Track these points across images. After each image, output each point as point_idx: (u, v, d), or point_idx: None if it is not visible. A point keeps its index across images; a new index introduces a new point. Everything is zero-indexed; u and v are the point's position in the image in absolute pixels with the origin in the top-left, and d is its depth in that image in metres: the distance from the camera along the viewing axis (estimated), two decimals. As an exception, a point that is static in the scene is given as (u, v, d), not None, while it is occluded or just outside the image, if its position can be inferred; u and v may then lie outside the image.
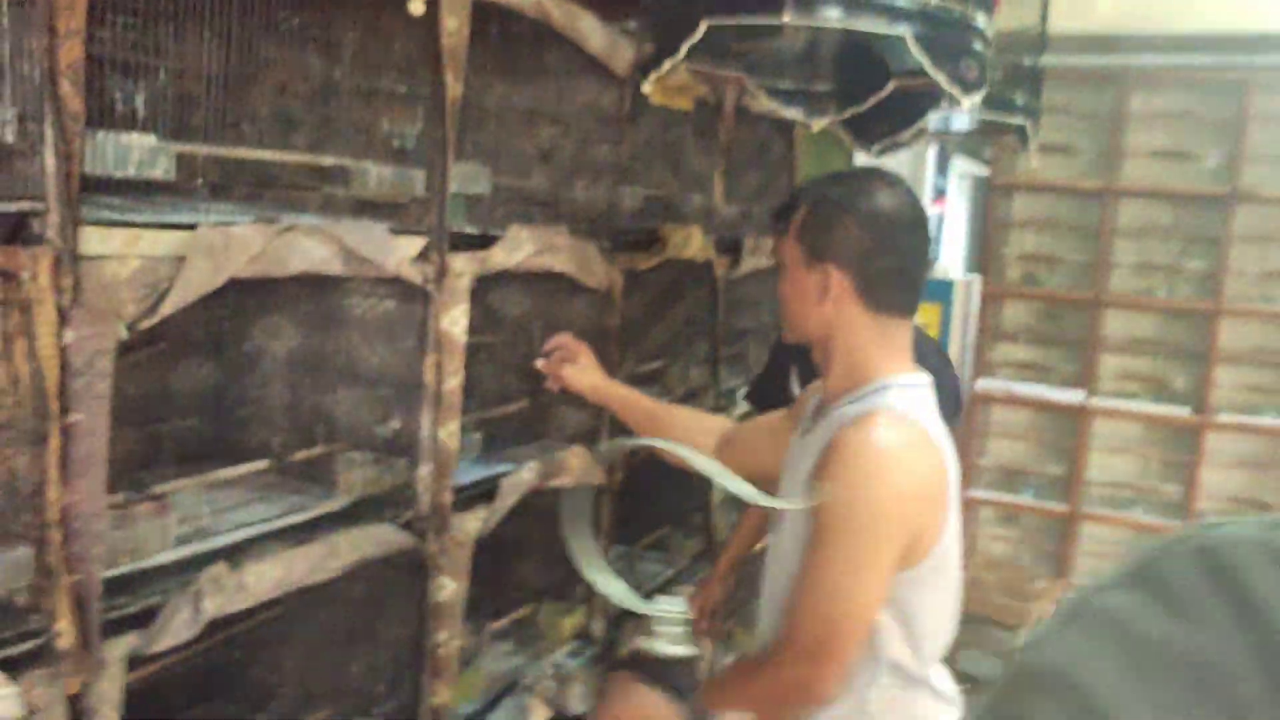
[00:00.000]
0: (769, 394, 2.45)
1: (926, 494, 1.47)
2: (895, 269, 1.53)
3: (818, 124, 2.43)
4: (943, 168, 7.65)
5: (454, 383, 1.82)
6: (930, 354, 1.84)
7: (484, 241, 1.88)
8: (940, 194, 7.93)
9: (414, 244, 1.71)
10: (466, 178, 1.85)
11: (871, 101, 2.43)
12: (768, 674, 1.52)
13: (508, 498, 1.99)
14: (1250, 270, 4.58)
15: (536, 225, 2.02)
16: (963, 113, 3.06)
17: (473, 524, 1.91)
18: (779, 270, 1.65)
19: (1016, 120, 3.10)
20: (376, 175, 1.67)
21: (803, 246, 1.55)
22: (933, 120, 3.53)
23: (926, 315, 5.01)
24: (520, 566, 2.42)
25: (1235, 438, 4.66)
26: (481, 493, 1.96)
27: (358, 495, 1.75)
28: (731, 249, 3.06)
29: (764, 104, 3.14)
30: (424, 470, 1.80)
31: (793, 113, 2.40)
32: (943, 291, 5.08)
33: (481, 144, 1.96)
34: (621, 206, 2.45)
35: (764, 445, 1.82)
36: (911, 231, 1.55)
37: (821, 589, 1.44)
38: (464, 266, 1.81)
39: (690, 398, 2.92)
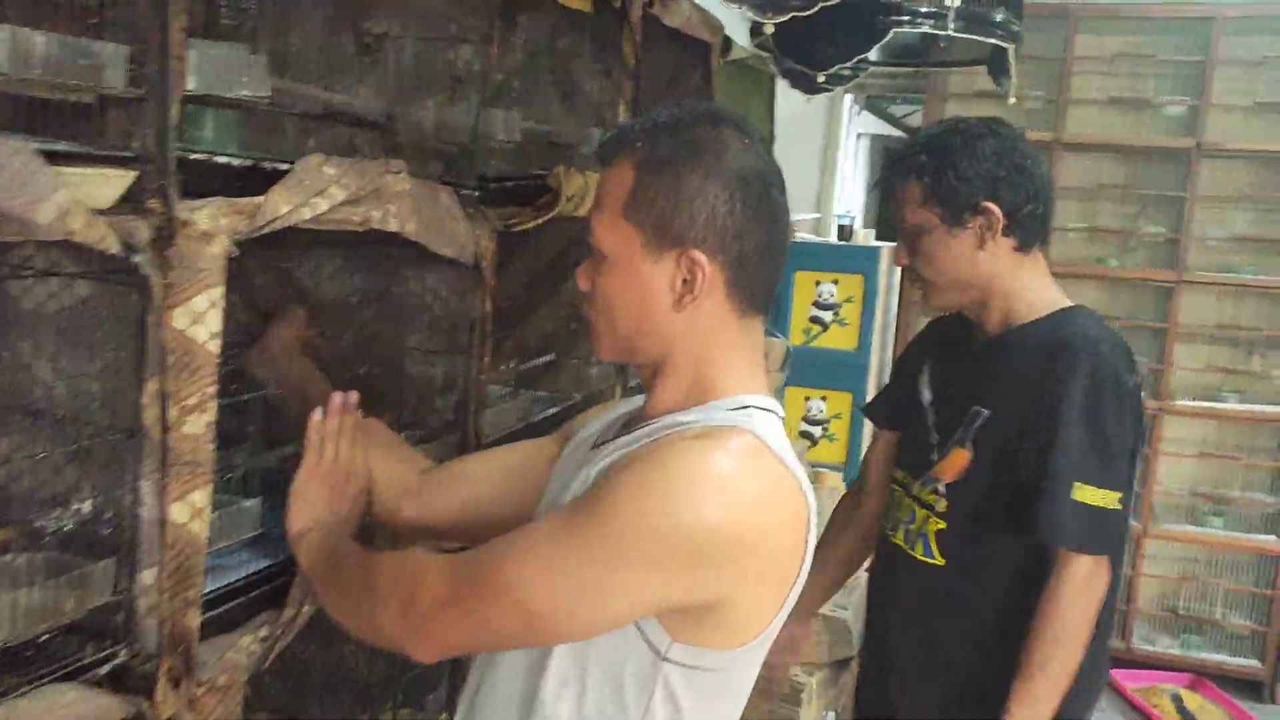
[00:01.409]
0: (897, 406, 1.97)
1: (776, 564, 1.08)
2: (766, 250, 1.12)
3: (770, 24, 1.71)
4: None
5: (200, 423, 1.05)
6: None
7: (255, 181, 1.11)
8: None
9: (108, 182, 0.94)
10: (219, 70, 1.07)
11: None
12: (382, 580, 1.10)
13: (308, 596, 1.24)
14: (1214, 235, 4.05)
15: (356, 159, 1.26)
16: (930, 30, 2.38)
17: (244, 652, 1.15)
18: (594, 260, 1.14)
19: (995, 41, 2.44)
20: (20, 48, 0.89)
21: (642, 225, 1.09)
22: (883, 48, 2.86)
23: (848, 288, 4.38)
24: (338, 694, 1.63)
25: (1194, 424, 4.16)
26: (261, 596, 1.21)
27: (20, 632, 0.97)
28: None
29: (681, 13, 2.42)
30: (147, 577, 1.04)
31: (746, 8, 1.67)
32: (865, 260, 4.46)
33: (252, 20, 1.17)
34: (492, 139, 1.70)
35: (505, 477, 1.33)
36: (781, 196, 1.15)
37: (519, 551, 1.04)
38: (213, 223, 1.04)
39: (590, 403, 2.20)
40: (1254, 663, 4.11)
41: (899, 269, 4.53)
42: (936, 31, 2.35)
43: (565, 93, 2.21)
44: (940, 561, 1.73)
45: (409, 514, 1.33)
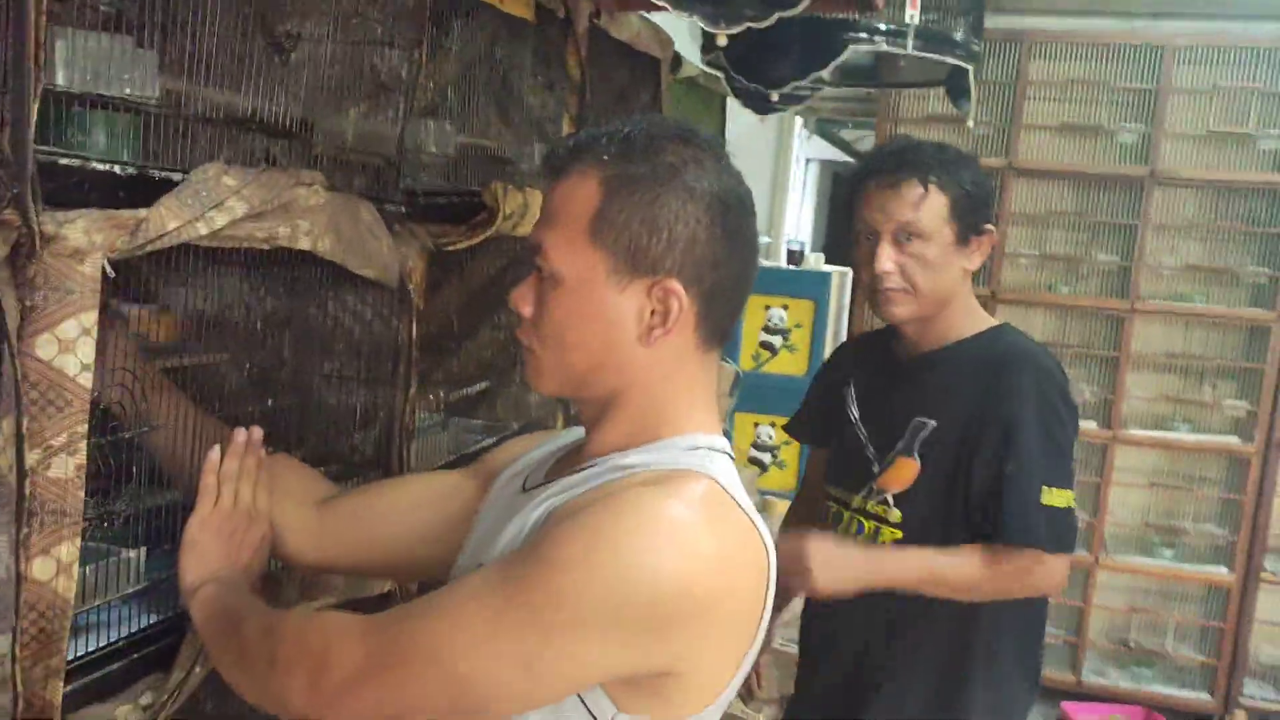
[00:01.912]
0: (819, 422, 2.01)
1: (735, 625, 0.96)
2: (740, 280, 1.03)
3: (723, 35, 1.60)
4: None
5: (68, 466, 0.92)
6: None
7: (143, 191, 0.98)
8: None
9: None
10: (95, 65, 0.94)
11: (801, 5, 1.60)
12: (287, 646, 0.96)
13: (200, 656, 1.10)
14: (1166, 264, 4.02)
15: (263, 170, 1.13)
16: (888, 49, 2.29)
17: (120, 726, 1.01)
18: (543, 282, 1.02)
19: (955, 60, 2.36)
20: None
21: (611, 249, 0.98)
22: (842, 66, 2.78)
23: (798, 313, 4.30)
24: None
25: (1146, 454, 4.11)
26: (145, 658, 1.07)
27: None
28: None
29: (630, 27, 2.32)
30: (0, 644, 0.90)
31: (698, 19, 1.57)
32: (816, 285, 4.39)
33: (139, 10, 1.04)
34: (422, 151, 1.58)
35: (415, 513, 1.19)
36: (754, 222, 1.06)
37: (445, 615, 0.91)
38: (86, 238, 0.90)
39: (531, 432, 2.08)
40: (1203, 696, 4.06)
41: (848, 292, 4.46)
42: (896, 50, 2.27)
43: (506, 106, 2.09)
44: None
45: (311, 556, 1.20)
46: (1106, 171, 4.03)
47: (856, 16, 2.25)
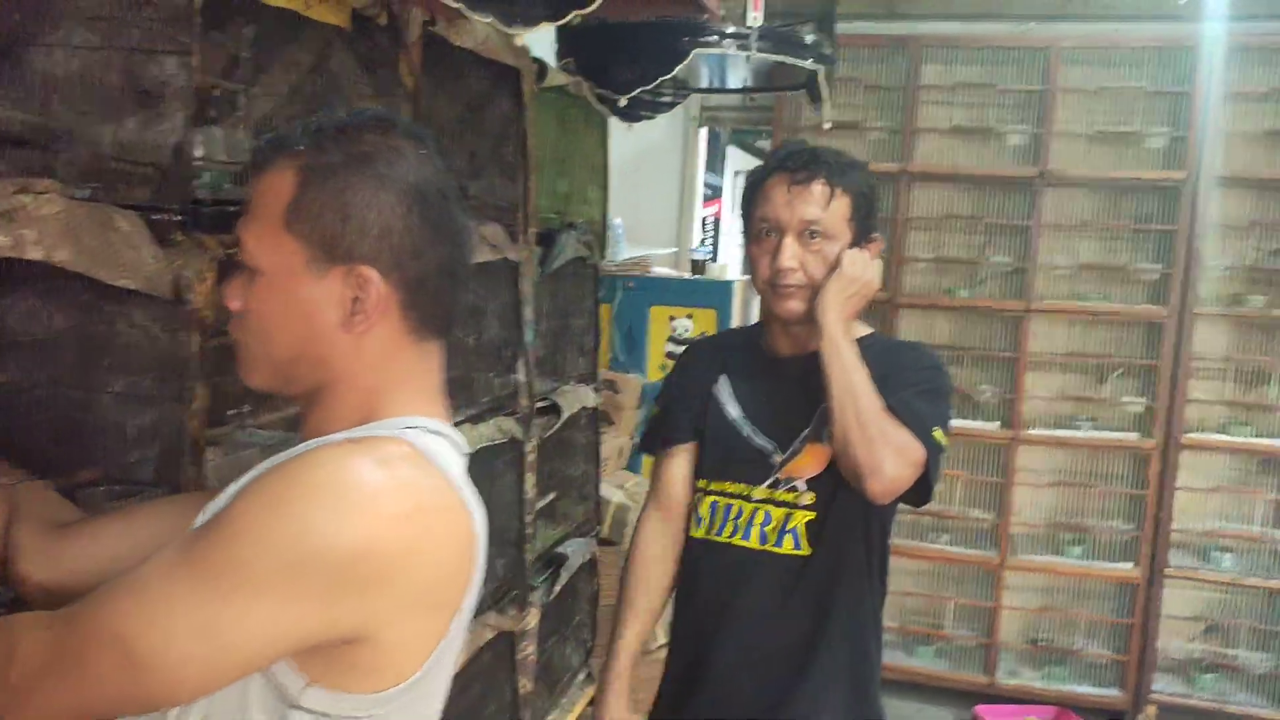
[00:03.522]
0: (684, 424, 1.97)
1: (432, 590, 0.94)
2: (447, 270, 1.02)
3: (518, 35, 1.57)
4: (716, 164, 7.02)
5: None
6: None
7: None
8: (715, 193, 7.31)
9: None
10: None
11: (594, 5, 1.58)
12: None
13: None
14: (1060, 264, 4.04)
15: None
16: (734, 52, 2.28)
17: None
18: (245, 276, 1.01)
19: (806, 64, 2.35)
20: None
21: (306, 238, 0.97)
22: (700, 71, 2.76)
23: (702, 322, 4.28)
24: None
25: (1049, 453, 4.13)
26: None
27: None
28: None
29: (475, 34, 2.29)
30: None
31: (494, 20, 1.54)
32: (720, 294, 4.38)
33: None
34: (211, 160, 1.53)
35: (153, 530, 1.11)
36: (462, 213, 1.06)
37: (125, 594, 0.88)
38: None
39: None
40: (1115, 692, 4.07)
41: (752, 302, 4.46)
42: (741, 53, 2.26)
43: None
44: (807, 551, 1.79)
45: (40, 576, 1.15)
46: (998, 173, 4.06)
47: (702, 20, 2.24)
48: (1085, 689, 4.09)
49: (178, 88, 1.42)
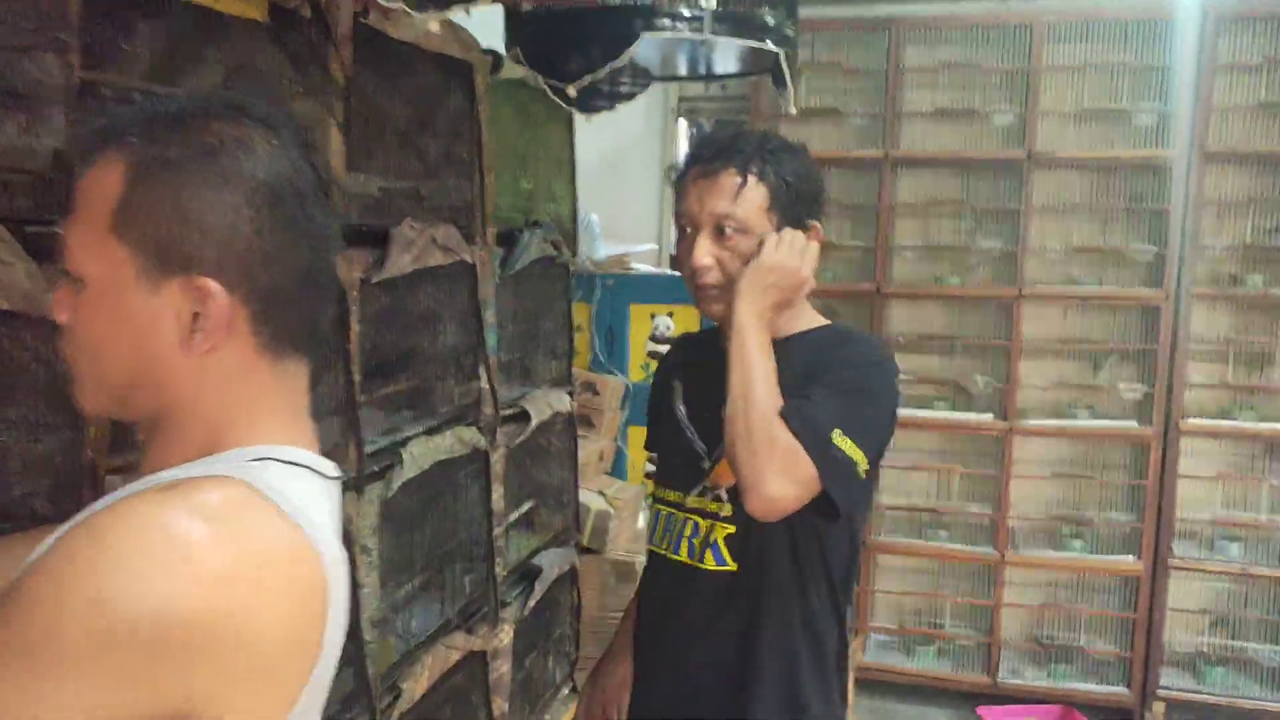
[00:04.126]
0: (654, 427, 1.97)
1: (272, 658, 0.80)
2: (306, 278, 0.90)
3: (434, 22, 1.46)
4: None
5: None
6: None
7: None
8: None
9: None
10: None
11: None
12: None
13: None
14: (1053, 247, 3.91)
15: None
16: (688, 34, 2.16)
17: None
18: (70, 285, 0.89)
19: (766, 46, 2.23)
20: None
21: (137, 245, 0.85)
22: (651, 55, 2.64)
23: (684, 320, 4.15)
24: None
25: (1046, 443, 4.00)
26: None
27: None
28: (370, 241, 2.06)
29: (414, 27, 2.17)
30: None
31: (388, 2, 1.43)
32: (705, 290, 4.25)
33: None
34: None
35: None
36: (324, 213, 0.93)
37: None
38: None
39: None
40: (1121, 689, 3.94)
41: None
42: (694, 36, 2.13)
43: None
44: (733, 567, 1.67)
45: None
46: (985, 156, 3.93)
47: (653, 2, 2.12)
48: (1090, 687, 3.96)
49: (54, 87, 1.30)
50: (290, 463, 0.87)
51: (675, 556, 1.74)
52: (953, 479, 4.08)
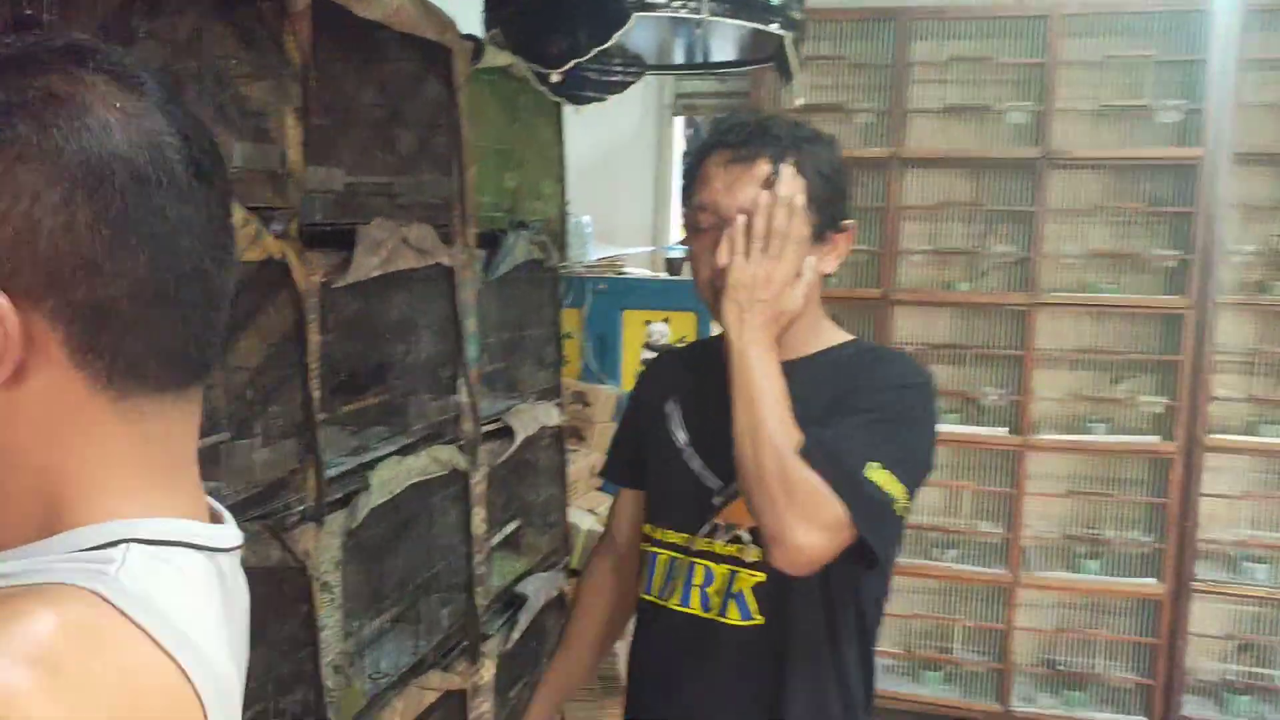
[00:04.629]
0: (637, 456, 1.69)
1: None
2: (154, 285, 0.63)
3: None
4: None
5: None
6: None
7: None
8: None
9: None
10: None
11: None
12: None
13: None
14: (1069, 252, 3.72)
15: None
16: (685, 14, 1.95)
17: None
18: None
19: (769, 29, 2.02)
20: None
21: None
22: (644, 41, 2.43)
23: (680, 326, 3.95)
24: None
25: (1061, 459, 3.81)
26: None
27: None
28: (335, 242, 1.86)
29: (383, 4, 1.97)
30: None
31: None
32: (697, 296, 4.04)
33: None
34: None
35: None
36: (198, 199, 0.65)
37: None
38: None
39: (265, 500, 1.70)
40: (1140, 718, 3.74)
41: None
42: (692, 16, 1.93)
43: (224, 100, 1.74)
44: (760, 620, 1.46)
45: None
46: (998, 155, 3.74)
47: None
48: (1108, 715, 3.76)
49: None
50: (158, 541, 0.64)
51: (684, 609, 1.52)
52: (962, 496, 3.88)
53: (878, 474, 1.31)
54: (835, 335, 1.53)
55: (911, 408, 1.42)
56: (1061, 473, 3.82)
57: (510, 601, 2.65)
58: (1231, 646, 3.73)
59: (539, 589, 2.73)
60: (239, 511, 1.62)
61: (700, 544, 1.51)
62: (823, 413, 1.38)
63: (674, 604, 1.53)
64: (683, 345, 1.73)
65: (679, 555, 1.54)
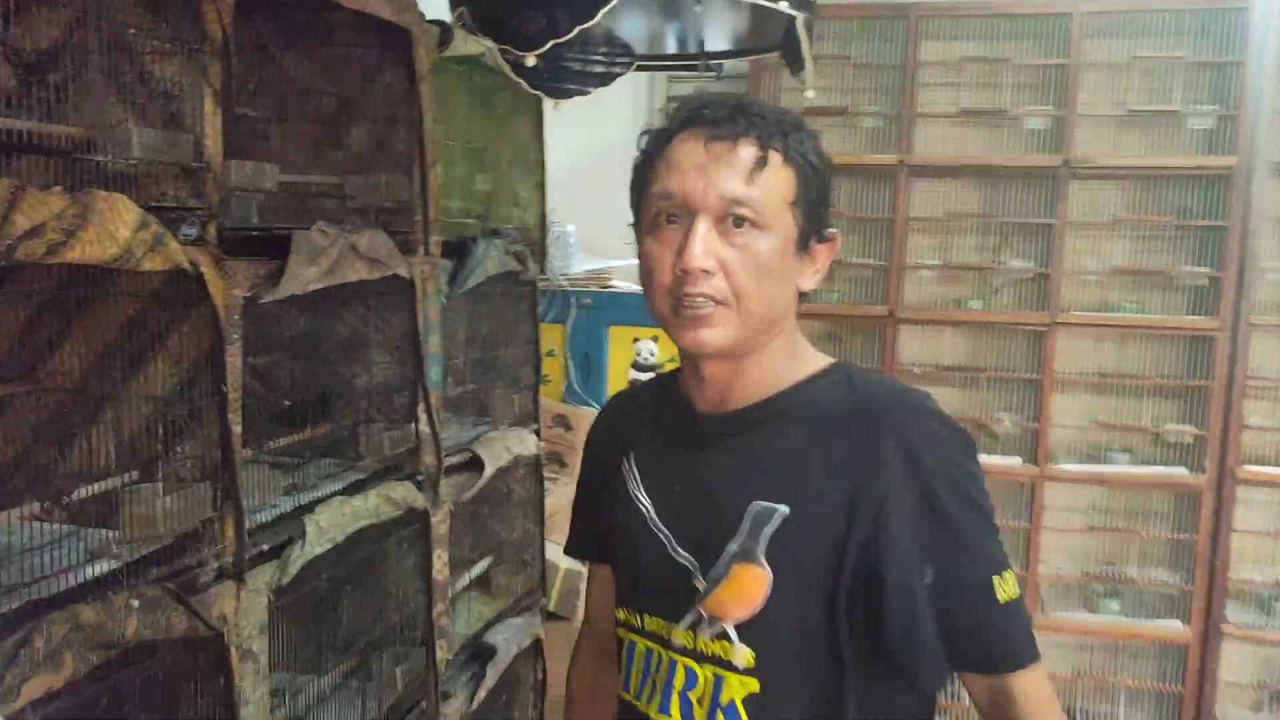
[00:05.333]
0: (598, 525, 1.40)
1: None
2: None
3: None
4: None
5: None
6: None
7: None
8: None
9: None
10: None
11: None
12: None
13: None
14: (1090, 268, 3.47)
15: None
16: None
17: None
18: None
19: (781, 7, 1.75)
20: None
21: None
22: (632, 27, 2.16)
23: (670, 345, 3.67)
24: None
25: (1080, 491, 3.57)
26: None
27: None
28: (269, 249, 1.58)
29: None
30: None
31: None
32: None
33: None
34: None
35: None
36: None
37: None
38: None
39: (205, 541, 1.42)
40: (1165, 773, 3.49)
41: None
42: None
43: (128, 79, 1.47)
44: None
45: None
46: (1014, 163, 3.50)
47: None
48: (1129, 768, 3.51)
49: None
50: None
51: (662, 717, 1.24)
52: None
53: (1005, 586, 1.16)
54: (812, 360, 1.26)
55: (968, 473, 1.19)
56: (1081, 505, 3.60)
57: (477, 653, 2.38)
58: (1265, 696, 3.50)
59: (510, 637, 2.47)
60: (139, 570, 1.34)
61: (681, 636, 1.23)
62: (833, 491, 1.15)
63: (653, 712, 1.24)
64: (645, 381, 1.41)
65: (656, 648, 1.26)
